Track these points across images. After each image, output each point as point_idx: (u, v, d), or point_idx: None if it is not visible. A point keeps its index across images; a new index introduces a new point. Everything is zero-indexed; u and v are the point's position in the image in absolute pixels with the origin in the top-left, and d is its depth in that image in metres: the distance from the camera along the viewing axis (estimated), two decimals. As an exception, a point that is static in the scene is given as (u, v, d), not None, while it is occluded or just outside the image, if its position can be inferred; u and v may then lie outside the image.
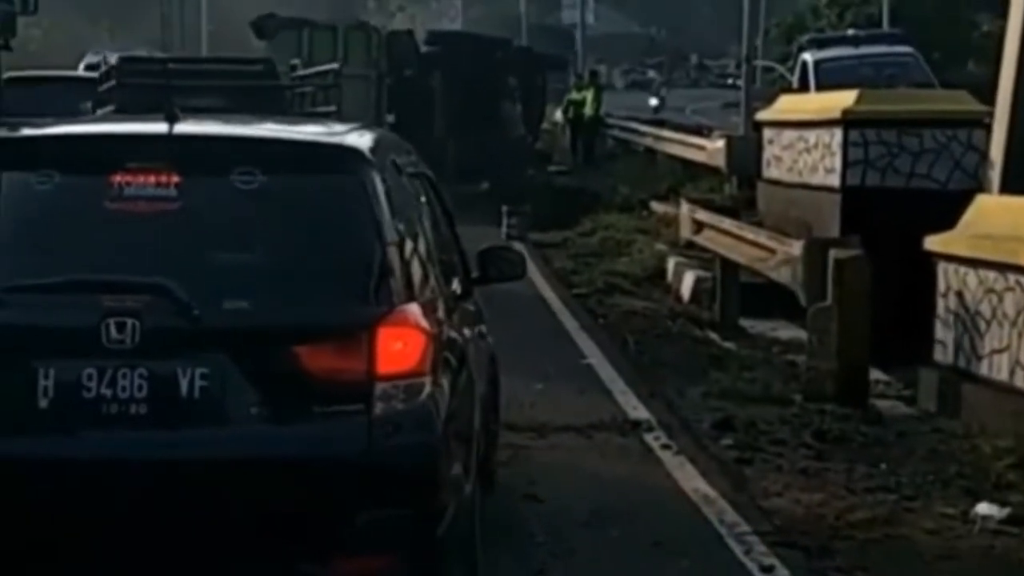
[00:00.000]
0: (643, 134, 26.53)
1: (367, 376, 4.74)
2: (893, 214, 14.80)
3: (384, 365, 4.75)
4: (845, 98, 15.68)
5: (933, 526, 6.96)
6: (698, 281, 15.63)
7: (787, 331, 14.44)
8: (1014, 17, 12.79)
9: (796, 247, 10.70)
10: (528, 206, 20.10)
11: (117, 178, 4.92)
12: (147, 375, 4.71)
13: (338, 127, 6.00)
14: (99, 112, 15.29)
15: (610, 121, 30.29)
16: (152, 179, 4.92)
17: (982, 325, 9.30)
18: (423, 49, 28.11)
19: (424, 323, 4.93)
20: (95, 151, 5.22)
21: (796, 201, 16.60)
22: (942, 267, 9.92)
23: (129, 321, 4.70)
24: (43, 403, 4.72)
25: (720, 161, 19.50)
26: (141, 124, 5.70)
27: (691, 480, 7.71)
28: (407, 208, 5.32)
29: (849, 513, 7.11)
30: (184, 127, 5.21)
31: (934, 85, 21.49)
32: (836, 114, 15.44)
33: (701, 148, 20.58)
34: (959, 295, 9.62)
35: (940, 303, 9.93)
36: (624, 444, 8.56)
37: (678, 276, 16.35)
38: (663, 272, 16.88)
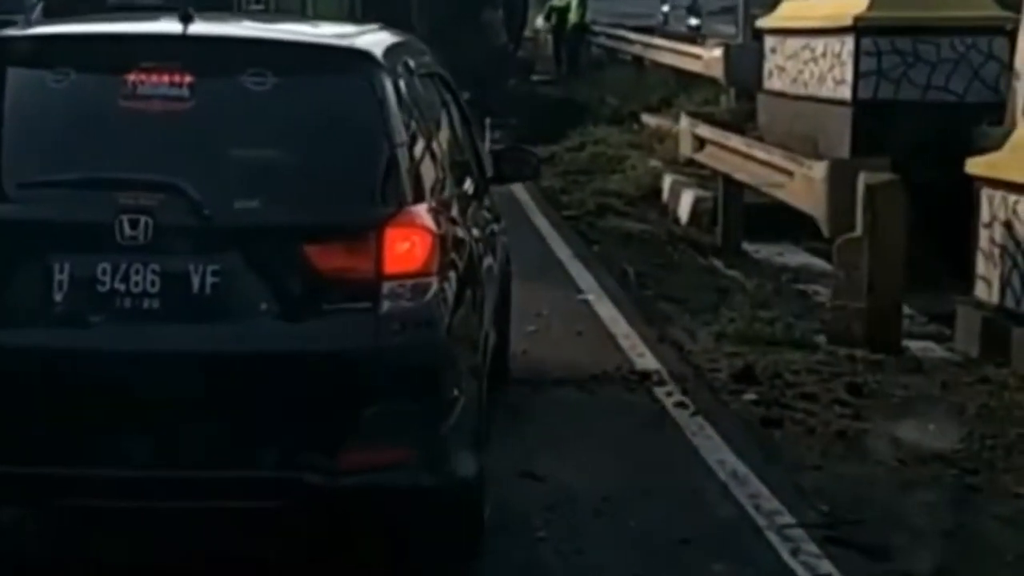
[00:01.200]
0: (632, 42, 25.17)
1: (374, 275, 4.81)
2: (908, 129, 13.77)
3: (391, 264, 4.83)
4: (856, 3, 14.48)
5: (1007, 512, 5.90)
6: (697, 201, 14.52)
7: (794, 256, 13.43)
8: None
9: (818, 169, 9.56)
10: (513, 119, 18.89)
11: (131, 77, 4.97)
12: (159, 271, 4.79)
13: (353, 29, 5.93)
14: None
15: (596, 28, 28.91)
16: (165, 79, 4.97)
17: (1037, 260, 8.22)
18: (400, -49, 26.79)
19: (431, 224, 4.99)
20: (111, 50, 5.28)
21: (802, 114, 15.43)
22: (987, 194, 8.80)
23: (142, 218, 4.78)
24: (58, 296, 4.81)
25: (717, 71, 18.26)
26: (157, 24, 5.70)
27: (715, 450, 6.61)
28: (419, 110, 5.38)
29: (905, 494, 6.03)
30: (198, 28, 5.24)
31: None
32: (847, 21, 14.25)
33: (697, 57, 19.33)
34: (1008, 226, 8.51)
35: (983, 234, 8.82)
36: (633, 402, 7.47)
37: (675, 196, 15.22)
38: (658, 191, 15.76)
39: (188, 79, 4.99)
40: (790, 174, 10.28)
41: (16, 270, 4.88)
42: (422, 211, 5.02)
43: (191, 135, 5.00)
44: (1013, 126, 12.08)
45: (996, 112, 13.13)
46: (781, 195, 10.61)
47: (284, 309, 4.81)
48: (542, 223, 13.31)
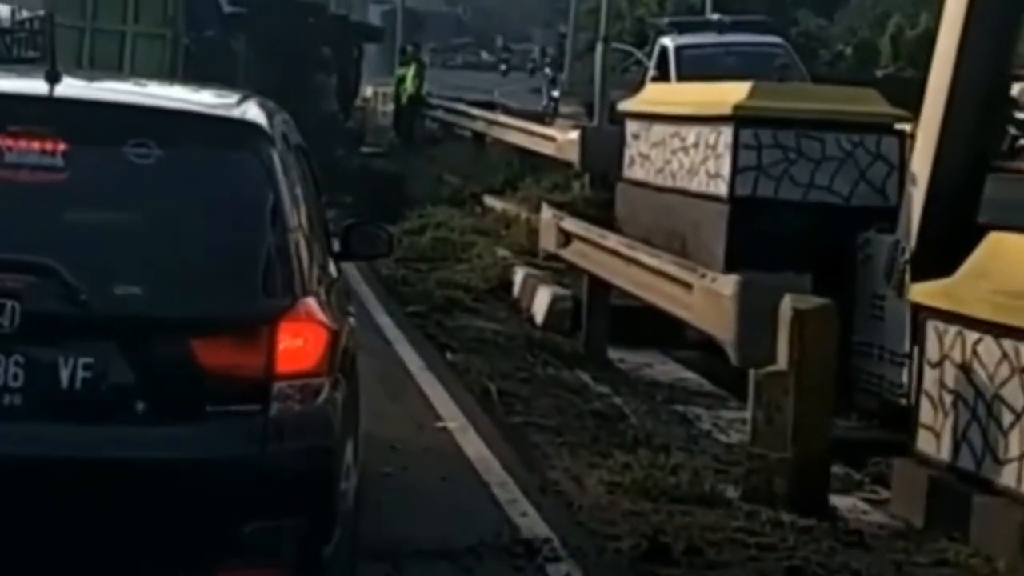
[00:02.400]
0: (474, 117, 23.72)
1: (265, 374, 4.46)
2: (788, 231, 12.52)
3: (284, 363, 4.48)
4: (735, 91, 13.20)
5: None
6: (555, 301, 13.05)
7: (663, 367, 12.13)
8: (951, 8, 10.51)
9: (724, 284, 8.12)
10: (348, 196, 17.27)
11: None
12: (24, 362, 4.37)
13: (228, 94, 5.36)
14: None
15: (433, 101, 27.47)
16: (36, 145, 4.53)
17: (1006, 415, 6.81)
18: (227, 9, 25.24)
19: (325, 318, 4.67)
20: None
21: (668, 209, 14.07)
22: (935, 327, 7.41)
23: (9, 303, 4.36)
24: None
25: (572, 155, 16.88)
26: (23, 82, 5.23)
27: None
28: (298, 187, 4.99)
29: None
30: (71, 88, 4.88)
31: (806, 80, 19.24)
32: (725, 109, 12.94)
33: (548, 139, 17.94)
34: (965, 369, 7.12)
35: (929, 375, 7.42)
36: (523, 587, 5.87)
37: (528, 292, 13.73)
38: (508, 284, 14.27)
39: (62, 147, 4.53)
40: (686, 286, 8.82)
41: None
42: (314, 304, 4.64)
43: (66, 210, 4.56)
44: (907, 234, 10.96)
45: (882, 217, 12.02)
46: (674, 309, 9.13)
47: (163, 410, 4.39)
48: (385, 322, 11.68)
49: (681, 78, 18.43)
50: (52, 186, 4.53)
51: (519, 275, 14.23)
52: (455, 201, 19.41)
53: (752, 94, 12.85)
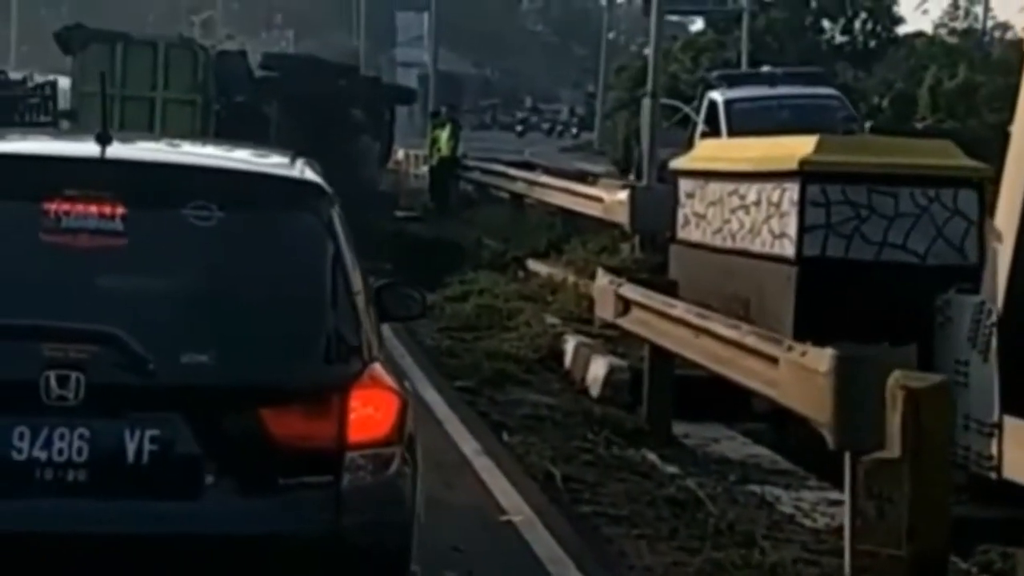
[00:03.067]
0: (513, 178, 22.98)
1: (337, 444, 4.32)
2: (860, 294, 11.72)
3: (355, 432, 4.34)
4: (800, 145, 12.43)
5: None
6: (612, 372, 12.23)
7: (731, 444, 11.30)
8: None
9: (818, 358, 7.28)
10: (387, 263, 16.50)
11: (53, 207, 4.38)
12: (89, 436, 4.23)
13: (275, 154, 5.25)
14: None
15: (469, 162, 26.76)
16: (94, 209, 4.39)
17: None
18: (257, 73, 24.70)
19: (395, 385, 4.55)
20: (26, 174, 4.61)
21: (728, 271, 13.27)
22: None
23: (73, 374, 4.21)
24: None
25: (621, 216, 16.10)
26: (77, 144, 5.04)
27: None
28: (352, 249, 4.76)
29: None
30: (125, 150, 4.77)
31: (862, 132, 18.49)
32: (790, 164, 12.17)
33: (595, 199, 17.19)
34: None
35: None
36: None
37: (582, 362, 12.92)
38: (558, 354, 13.46)
39: (120, 210, 4.41)
40: (770, 360, 7.99)
41: None
42: (381, 370, 4.50)
43: (127, 276, 4.44)
44: (992, 295, 10.14)
45: (961, 276, 11.19)
46: (757, 387, 8.29)
47: (233, 483, 4.25)
48: (434, 399, 10.86)
49: (732, 133, 17.68)
50: (112, 251, 4.39)
51: (570, 344, 13.43)
52: (497, 266, 18.67)
53: (819, 148, 12.09)
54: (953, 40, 52.67)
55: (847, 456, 7.11)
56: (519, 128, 63.79)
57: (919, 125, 34.02)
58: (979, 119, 32.69)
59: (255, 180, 4.80)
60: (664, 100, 16.94)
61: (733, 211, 13.38)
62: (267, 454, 4.27)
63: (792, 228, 12.12)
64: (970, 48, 46.14)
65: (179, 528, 4.20)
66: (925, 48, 45.78)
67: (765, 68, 19.54)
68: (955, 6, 64.42)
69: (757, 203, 12.84)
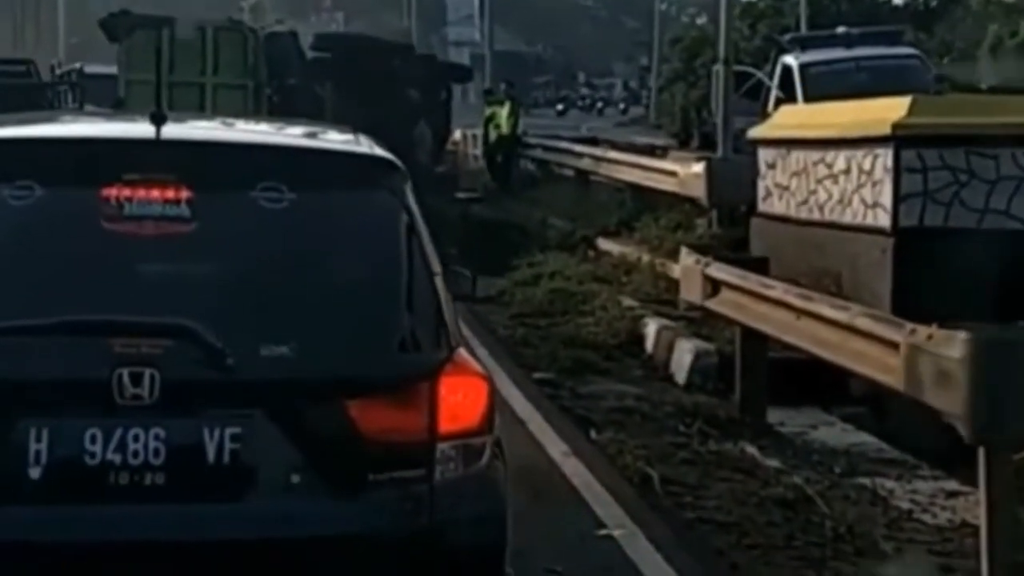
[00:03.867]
0: (579, 155, 22.17)
1: (428, 435, 4.05)
2: (962, 264, 10.94)
3: (446, 422, 4.08)
4: (892, 107, 11.66)
5: None
6: (698, 357, 11.49)
7: (831, 431, 10.56)
8: None
9: (948, 343, 6.49)
10: (452, 247, 15.78)
11: (114, 192, 4.09)
12: (165, 437, 3.94)
13: (340, 131, 4.86)
14: None
15: (531, 140, 25.98)
16: (156, 194, 4.09)
17: None
18: (309, 55, 24.09)
19: (483, 370, 4.27)
20: (83, 158, 4.25)
21: (816, 245, 12.52)
22: None
23: (147, 371, 3.92)
24: (35, 472, 3.92)
25: (697, 190, 15.31)
26: (129, 125, 4.83)
27: None
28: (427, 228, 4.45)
29: None
30: (185, 130, 4.69)
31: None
32: (883, 129, 11.40)
33: (668, 173, 16.39)
34: None
35: None
36: None
37: (664, 346, 12.18)
38: (639, 338, 12.72)
39: (185, 194, 4.13)
40: (888, 345, 7.20)
41: None
42: (467, 355, 4.26)
43: (197, 265, 4.16)
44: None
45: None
46: (869, 373, 7.52)
47: (321, 482, 3.96)
48: (513, 394, 10.12)
49: (809, 99, 16.82)
50: (179, 239, 4.10)
51: (651, 328, 12.69)
52: (565, 246, 17.92)
53: (913, 110, 11.31)
54: (1011, -1, 51.32)
55: (981, 452, 6.34)
56: (559, 107, 61.23)
57: (984, 86, 33.01)
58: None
59: (326, 158, 4.51)
60: (736, 67, 16.07)
61: (820, 181, 12.62)
62: (355, 449, 4.00)
63: (887, 197, 11.38)
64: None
65: (266, 532, 3.93)
66: (981, 7, 44.50)
67: (840, 29, 18.65)
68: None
69: (847, 171, 12.08)
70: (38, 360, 3.98)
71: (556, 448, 8.58)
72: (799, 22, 30.31)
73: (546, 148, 24.95)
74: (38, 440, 3.93)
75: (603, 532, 6.89)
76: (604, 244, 17.50)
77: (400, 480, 4.01)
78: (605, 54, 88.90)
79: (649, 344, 12.54)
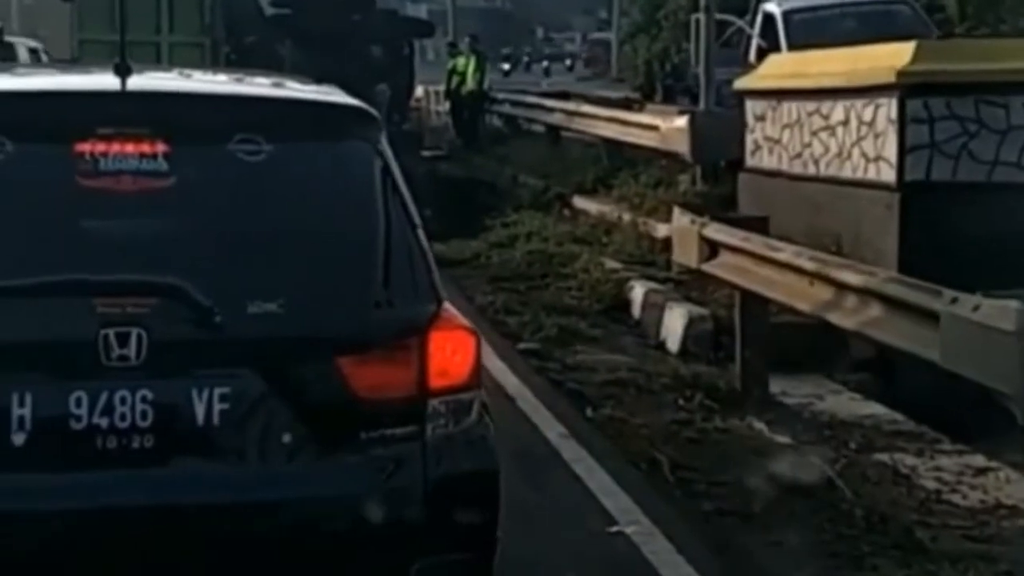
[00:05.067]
0: (550, 109, 21.37)
1: (419, 391, 3.98)
2: (973, 221, 10.30)
3: (436, 377, 4.00)
4: (895, 54, 10.95)
5: None
6: (692, 323, 10.79)
7: (838, 400, 9.91)
8: None
9: (999, 314, 5.79)
10: (426, 208, 15.01)
11: (88, 147, 3.95)
12: (152, 399, 3.83)
13: (298, 82, 4.77)
14: None
15: (499, 96, 25.18)
16: (131, 148, 3.95)
17: None
18: (268, 11, 23.30)
19: (469, 323, 4.21)
20: (54, 113, 4.10)
21: (812, 201, 11.82)
22: None
23: (134, 331, 3.82)
24: (18, 439, 3.81)
25: (681, 145, 14.55)
26: (94, 77, 4.55)
27: None
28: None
29: None
30: (155, 81, 4.64)
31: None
32: (886, 76, 10.69)
33: (650, 128, 15.63)
34: None
35: None
36: None
37: (653, 311, 11.48)
38: (624, 302, 12.02)
39: (162, 148, 3.96)
40: (924, 314, 6.50)
41: None
42: (453, 308, 4.18)
43: (178, 221, 3.96)
44: None
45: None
46: (899, 344, 6.81)
47: (312, 441, 3.85)
48: (498, 367, 9.37)
49: (792, 47, 16.09)
50: (157, 194, 3.97)
51: (637, 291, 12.00)
52: (539, 205, 17.21)
53: (918, 56, 10.61)
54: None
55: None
56: (505, 67, 57.91)
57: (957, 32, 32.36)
58: (1010, 25, 31.11)
59: (303, 108, 4.35)
60: (718, 15, 15.32)
61: (815, 133, 11.92)
62: (347, 407, 3.91)
63: (891, 149, 10.70)
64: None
65: (257, 493, 3.83)
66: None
67: (823, -27, 17.96)
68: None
69: (845, 123, 11.38)
70: (20, 322, 3.84)
71: (552, 429, 7.86)
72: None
73: (514, 103, 24.16)
74: (21, 405, 3.80)
75: (614, 529, 6.17)
76: (580, 202, 16.77)
77: (391, 437, 3.94)
78: (563, 7, 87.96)
79: (636, 309, 11.86)
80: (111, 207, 3.97)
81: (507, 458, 5.93)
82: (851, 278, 7.33)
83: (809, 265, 7.92)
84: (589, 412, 8.37)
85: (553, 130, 21.34)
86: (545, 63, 60.28)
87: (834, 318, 7.60)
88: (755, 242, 8.66)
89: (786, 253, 8.21)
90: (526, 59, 62.42)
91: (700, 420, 8.45)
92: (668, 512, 6.45)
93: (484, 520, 4.06)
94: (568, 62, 64.02)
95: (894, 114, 10.59)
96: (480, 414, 4.13)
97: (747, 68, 14.92)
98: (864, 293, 7.18)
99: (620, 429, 7.90)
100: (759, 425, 8.59)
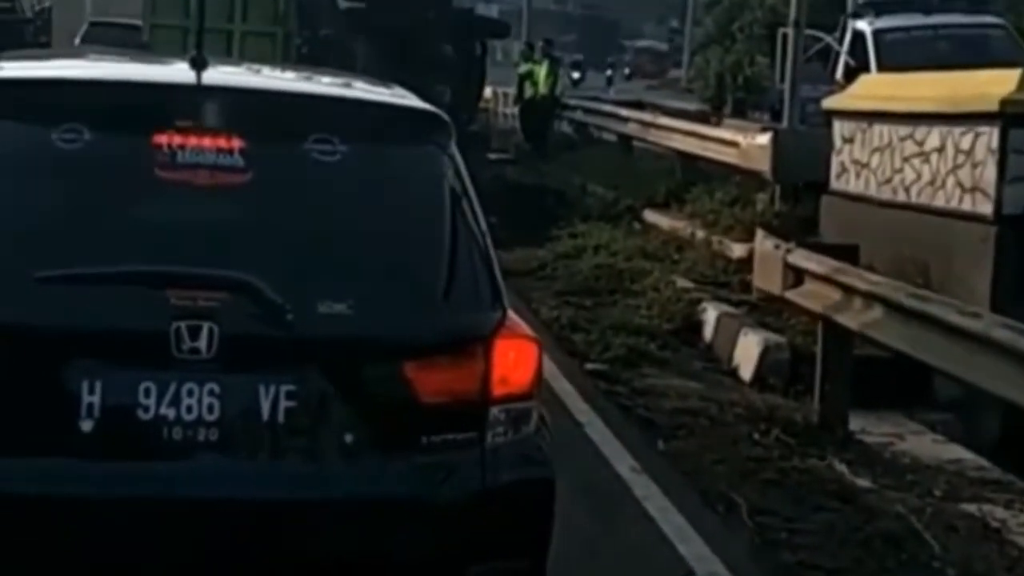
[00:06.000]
0: (624, 119, 20.85)
1: (481, 398, 3.99)
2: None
3: (499, 385, 4.02)
4: (999, 81, 10.43)
5: None
6: (767, 351, 10.27)
7: (917, 438, 9.42)
8: None
9: None
10: (493, 216, 14.55)
11: (165, 140, 3.96)
12: (219, 392, 3.84)
13: (369, 83, 4.74)
14: None
15: (571, 101, 24.68)
16: (207, 142, 3.98)
17: None
18: (342, 5, 22.91)
19: (532, 332, 4.25)
20: (133, 103, 4.11)
21: (899, 230, 11.28)
22: None
23: (205, 325, 3.82)
24: (86, 425, 3.83)
25: (761, 163, 14.02)
26: (169, 69, 4.58)
27: None
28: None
29: None
30: (233, 77, 4.58)
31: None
32: (988, 104, 10.16)
33: (730, 144, 15.10)
34: None
35: None
36: None
37: (727, 336, 10.97)
38: (695, 324, 11.51)
39: (239, 144, 3.98)
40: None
41: (31, 391, 3.80)
42: (516, 316, 4.19)
43: (253, 218, 3.99)
44: None
45: None
46: (1013, 397, 6.29)
47: (374, 442, 3.89)
48: (565, 389, 8.92)
49: (882, 67, 15.51)
50: (233, 189, 3.98)
51: (710, 314, 11.48)
52: (608, 216, 16.66)
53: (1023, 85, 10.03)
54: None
55: None
56: (575, 75, 56.86)
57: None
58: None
59: (378, 110, 4.37)
60: (808, 31, 14.77)
61: (907, 159, 11.38)
62: (410, 410, 3.93)
63: (989, 180, 10.16)
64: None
65: (319, 492, 3.85)
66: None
67: (919, -8, 17.35)
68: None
69: (940, 150, 10.84)
70: (93, 311, 3.84)
71: (622, 462, 7.38)
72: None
73: (587, 111, 23.63)
74: (91, 392, 3.81)
75: (692, 580, 5.69)
76: (651, 216, 16.25)
77: (452, 443, 3.96)
78: (637, 14, 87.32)
79: (708, 332, 11.35)
80: (186, 200, 3.98)
81: (576, 492, 5.50)
82: (957, 320, 6.81)
83: (908, 302, 7.39)
84: (661, 445, 7.88)
85: (625, 140, 20.82)
86: (608, 72, 59.37)
87: (933, 361, 7.07)
88: (848, 273, 8.14)
89: (883, 287, 7.68)
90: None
91: (778, 458, 7.95)
92: (749, 563, 5.96)
93: (539, 528, 4.10)
94: (627, 71, 63.02)
95: (995, 143, 10.07)
96: (538, 424, 4.15)
97: (834, 86, 14.38)
98: (969, 337, 6.65)
99: (694, 465, 7.42)
100: (840, 467, 8.08)
